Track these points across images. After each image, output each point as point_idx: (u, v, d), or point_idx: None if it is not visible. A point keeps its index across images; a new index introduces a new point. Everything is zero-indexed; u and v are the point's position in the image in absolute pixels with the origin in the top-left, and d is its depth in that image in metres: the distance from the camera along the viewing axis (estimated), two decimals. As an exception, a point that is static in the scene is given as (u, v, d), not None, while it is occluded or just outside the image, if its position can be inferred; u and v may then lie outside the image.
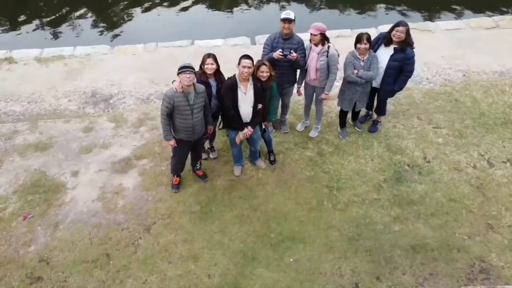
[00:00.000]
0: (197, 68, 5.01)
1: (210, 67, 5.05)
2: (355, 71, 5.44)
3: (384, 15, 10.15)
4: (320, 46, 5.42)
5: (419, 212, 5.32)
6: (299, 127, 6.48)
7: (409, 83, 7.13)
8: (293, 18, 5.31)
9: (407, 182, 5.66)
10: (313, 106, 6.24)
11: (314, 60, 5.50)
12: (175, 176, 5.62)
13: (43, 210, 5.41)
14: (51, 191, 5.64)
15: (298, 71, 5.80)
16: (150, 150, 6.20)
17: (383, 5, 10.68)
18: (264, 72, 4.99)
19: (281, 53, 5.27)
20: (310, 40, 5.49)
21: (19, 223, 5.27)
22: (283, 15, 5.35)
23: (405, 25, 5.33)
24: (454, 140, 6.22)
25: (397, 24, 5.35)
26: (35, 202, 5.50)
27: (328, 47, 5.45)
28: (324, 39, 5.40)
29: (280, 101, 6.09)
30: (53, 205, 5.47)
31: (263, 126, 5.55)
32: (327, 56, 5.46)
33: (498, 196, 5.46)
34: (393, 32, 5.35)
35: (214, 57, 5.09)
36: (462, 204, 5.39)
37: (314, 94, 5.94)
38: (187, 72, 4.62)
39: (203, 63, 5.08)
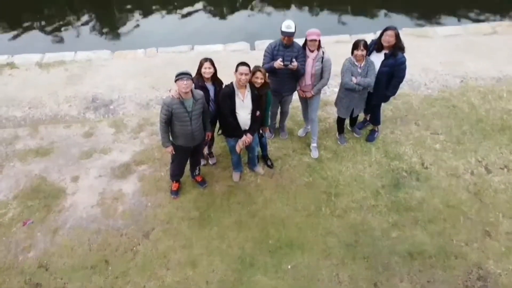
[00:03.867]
0: (194, 74, 5.05)
1: (207, 71, 5.09)
2: (354, 78, 5.47)
3: (383, 21, 10.17)
4: (315, 52, 5.46)
5: (416, 218, 5.34)
6: (301, 132, 6.51)
7: (407, 89, 7.25)
8: (293, 31, 5.26)
9: (405, 188, 5.69)
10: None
11: (309, 66, 5.53)
12: (174, 182, 5.66)
13: (43, 216, 5.45)
14: (51, 197, 5.68)
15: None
16: (150, 155, 6.24)
17: (381, 11, 10.72)
18: (259, 78, 4.97)
19: (282, 63, 5.31)
20: (306, 46, 5.48)
21: (18, 229, 5.31)
22: (284, 27, 5.26)
23: (394, 29, 5.33)
24: (451, 146, 6.25)
25: (386, 29, 5.37)
26: (35, 208, 5.54)
27: (323, 52, 5.51)
28: (319, 44, 5.46)
29: (280, 108, 6.14)
30: (53, 210, 5.51)
31: (261, 131, 5.59)
32: (322, 62, 5.51)
33: (496, 202, 5.49)
34: (383, 37, 5.37)
35: (211, 61, 5.12)
36: (459, 210, 5.41)
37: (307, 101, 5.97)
38: (184, 78, 4.64)
39: (200, 67, 5.12)
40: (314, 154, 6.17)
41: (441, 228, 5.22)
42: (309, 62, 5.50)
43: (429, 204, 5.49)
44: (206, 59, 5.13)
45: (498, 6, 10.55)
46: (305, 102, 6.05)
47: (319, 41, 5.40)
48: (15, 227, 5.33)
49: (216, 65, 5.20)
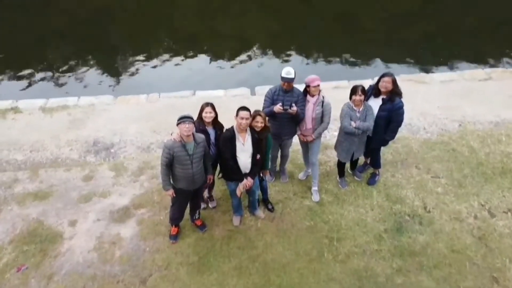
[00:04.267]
0: (195, 118, 5.11)
1: (208, 116, 5.16)
2: (353, 123, 5.54)
3: (380, 67, 10.49)
4: (316, 97, 5.58)
5: (421, 263, 5.21)
6: (301, 175, 6.50)
7: (406, 133, 7.32)
8: (293, 77, 5.43)
9: (408, 232, 5.59)
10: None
11: (310, 111, 5.63)
12: (174, 226, 5.57)
13: (38, 261, 5.31)
14: (48, 241, 5.57)
15: None
16: (149, 199, 6.19)
17: (379, 57, 11.06)
18: (259, 122, 5.06)
19: (282, 107, 5.40)
20: (307, 92, 5.60)
21: (12, 275, 5.15)
22: (284, 73, 5.42)
23: (391, 75, 5.49)
24: (453, 190, 6.21)
25: (383, 75, 5.52)
26: (30, 253, 5.42)
27: (323, 97, 5.63)
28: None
29: (280, 151, 6.17)
30: (49, 255, 5.38)
31: (261, 175, 5.58)
32: (322, 106, 5.61)
33: (501, 247, 5.37)
34: (380, 83, 5.51)
35: (212, 106, 5.21)
36: (465, 255, 5.29)
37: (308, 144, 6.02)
38: (186, 122, 4.72)
39: (201, 111, 5.20)
40: (315, 197, 6.12)
41: (446, 273, 5.07)
42: (310, 106, 5.60)
43: (434, 248, 5.37)
44: (207, 104, 5.23)
45: (492, 55, 10.91)
46: (306, 145, 6.09)
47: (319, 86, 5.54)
48: (9, 273, 5.18)
49: (217, 109, 5.28)
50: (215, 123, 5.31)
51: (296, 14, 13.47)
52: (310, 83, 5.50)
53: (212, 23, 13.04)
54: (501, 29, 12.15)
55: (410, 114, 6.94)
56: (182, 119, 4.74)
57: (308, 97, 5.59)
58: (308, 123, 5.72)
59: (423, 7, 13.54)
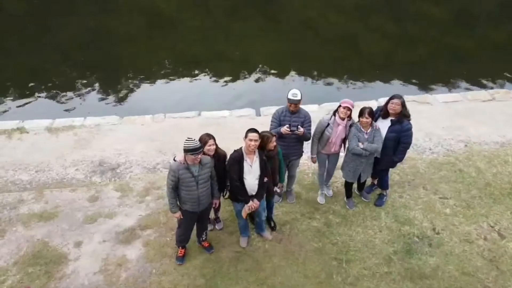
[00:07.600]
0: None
1: (212, 149, 5.07)
2: (360, 144, 5.55)
3: (384, 88, 10.56)
4: (346, 120, 5.62)
5: (432, 286, 5.12)
6: (320, 200, 6.40)
7: (412, 153, 7.31)
8: (299, 98, 5.49)
9: (418, 254, 5.52)
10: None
11: (341, 133, 5.68)
12: (180, 247, 5.50)
13: (43, 283, 5.22)
14: (53, 263, 5.49)
15: (305, 142, 5.91)
16: (155, 220, 6.13)
17: (382, 79, 11.16)
18: (274, 143, 5.17)
19: (288, 129, 5.43)
20: (337, 113, 5.61)
21: (16, 298, 5.07)
22: (290, 95, 5.48)
23: (400, 97, 5.52)
24: (462, 211, 6.17)
25: (392, 97, 5.56)
26: (35, 274, 5.33)
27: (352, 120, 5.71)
28: (350, 115, 5.65)
29: (287, 171, 6.16)
30: (54, 277, 5.30)
31: (275, 189, 5.54)
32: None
33: (513, 270, 5.30)
34: (389, 105, 5.55)
35: (213, 138, 5.13)
36: (476, 278, 5.21)
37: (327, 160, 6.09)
38: (195, 154, 4.69)
39: (204, 143, 5.01)
40: (328, 192, 6.47)
41: (459, 297, 4.99)
42: (341, 129, 5.64)
43: (444, 271, 5.30)
44: (210, 137, 5.08)
45: (495, 77, 11.01)
46: (325, 162, 6.10)
47: (351, 112, 5.59)
48: (12, 295, 5.11)
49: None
50: (215, 152, 5.20)
51: (299, 36, 13.65)
52: (341, 103, 5.57)
53: (216, 45, 13.20)
54: (503, 51, 12.30)
55: (415, 135, 6.86)
56: (192, 152, 4.67)
57: (339, 120, 5.61)
58: (337, 145, 5.81)
59: (425, 30, 13.74)
